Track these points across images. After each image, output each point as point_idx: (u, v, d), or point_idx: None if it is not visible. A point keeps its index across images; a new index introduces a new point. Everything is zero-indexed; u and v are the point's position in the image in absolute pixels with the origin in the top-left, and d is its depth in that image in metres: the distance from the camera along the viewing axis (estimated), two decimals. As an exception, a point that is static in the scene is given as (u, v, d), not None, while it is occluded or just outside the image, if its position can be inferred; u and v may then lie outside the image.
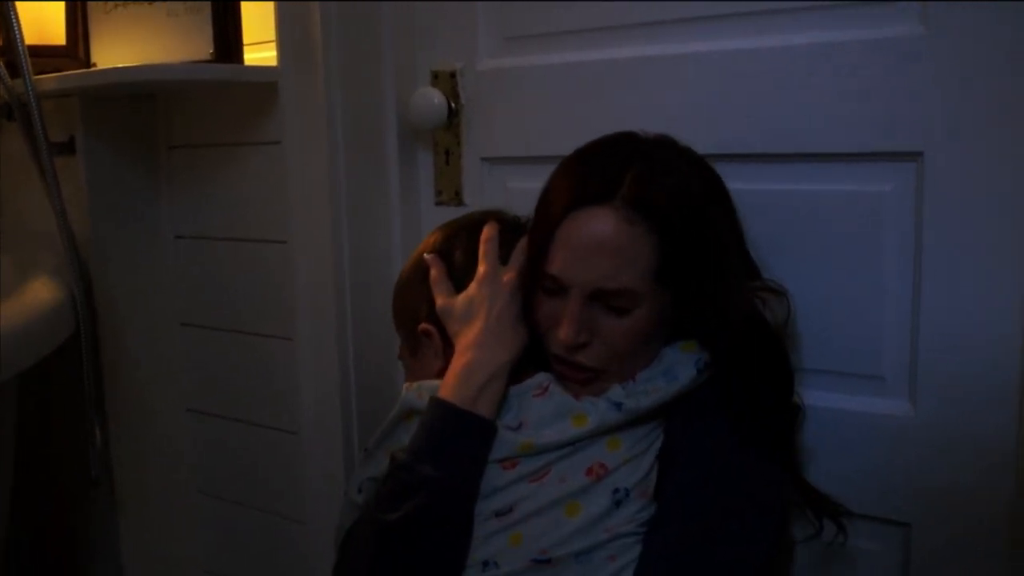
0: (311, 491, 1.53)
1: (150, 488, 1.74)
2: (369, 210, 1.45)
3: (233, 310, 1.66)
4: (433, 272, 1.13)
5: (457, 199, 1.42)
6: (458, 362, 1.05)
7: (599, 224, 0.98)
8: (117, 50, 1.62)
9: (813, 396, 1.11)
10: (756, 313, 1.04)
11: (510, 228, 1.14)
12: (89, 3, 1.64)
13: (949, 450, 1.06)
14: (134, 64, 1.56)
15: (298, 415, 1.54)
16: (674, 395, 1.02)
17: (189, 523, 1.79)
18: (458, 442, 1.02)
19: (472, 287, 1.09)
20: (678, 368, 1.03)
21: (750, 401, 1.01)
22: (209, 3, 1.48)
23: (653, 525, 0.99)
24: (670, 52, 1.20)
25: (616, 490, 0.99)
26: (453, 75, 1.39)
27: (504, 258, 1.11)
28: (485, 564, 0.99)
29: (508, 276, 1.08)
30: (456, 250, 1.14)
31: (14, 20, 1.52)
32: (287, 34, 1.42)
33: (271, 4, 1.43)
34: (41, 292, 1.56)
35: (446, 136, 1.41)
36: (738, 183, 1.08)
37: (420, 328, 1.13)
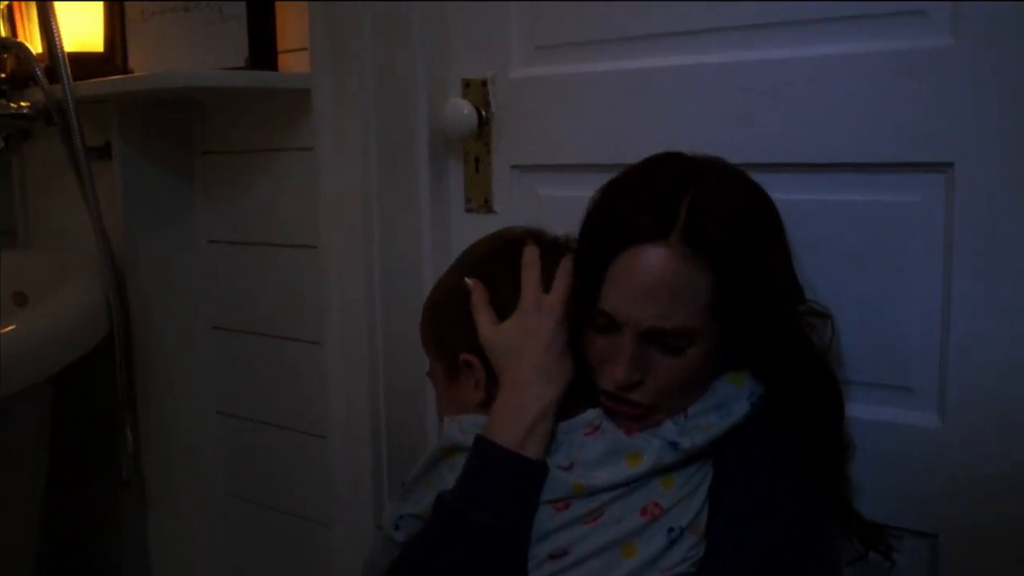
0: (338, 495, 1.54)
1: (180, 490, 1.76)
2: (399, 216, 1.45)
3: (264, 314, 1.68)
4: (475, 298, 1.06)
5: (487, 206, 1.43)
6: (505, 400, 1.01)
7: (656, 263, 0.93)
8: (154, 56, 1.65)
9: (842, 407, 1.11)
10: (806, 340, 1.01)
11: (550, 249, 1.07)
12: (127, 10, 1.67)
13: (977, 461, 1.05)
14: (170, 71, 1.59)
15: (327, 419, 1.54)
16: (727, 430, 0.99)
17: (217, 524, 1.81)
18: (508, 486, 0.98)
19: (516, 317, 1.04)
20: (732, 403, 1.00)
21: (804, 433, 0.99)
22: (244, 11, 1.50)
23: (703, 563, 0.97)
24: (701, 62, 1.20)
25: (671, 529, 0.97)
26: (484, 83, 1.40)
27: (546, 283, 1.04)
28: None
29: (554, 305, 1.03)
30: (497, 274, 1.07)
31: (54, 27, 1.55)
32: (321, 41, 1.43)
33: (305, 9, 1.45)
34: (76, 295, 1.59)
35: (476, 144, 1.42)
36: (769, 193, 1.08)
37: (462, 359, 1.07)
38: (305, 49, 1.47)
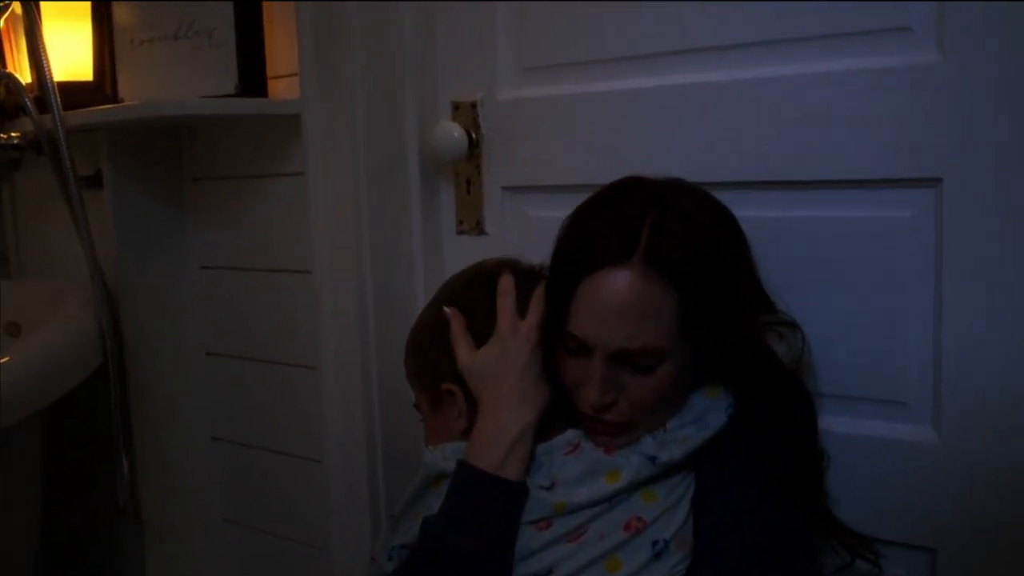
0: (335, 518, 1.54)
1: (176, 516, 1.76)
2: (391, 240, 1.46)
3: (258, 339, 1.67)
4: (454, 326, 1.09)
5: (478, 228, 1.44)
6: (484, 424, 1.03)
7: (620, 286, 0.95)
8: (143, 84, 1.65)
9: (836, 422, 1.11)
10: (771, 354, 1.04)
11: (525, 278, 1.09)
12: (116, 39, 1.67)
13: (974, 475, 1.06)
14: (160, 99, 1.59)
15: (322, 443, 1.54)
16: (704, 442, 1.01)
17: (215, 550, 1.80)
18: (489, 509, 0.99)
19: (492, 343, 1.06)
20: (709, 416, 1.02)
21: (772, 444, 1.01)
22: (234, 38, 1.50)
23: (687, 574, 0.98)
24: (689, 81, 1.20)
25: (655, 542, 0.98)
26: (474, 105, 1.40)
27: (521, 310, 1.07)
28: None
29: (529, 330, 1.05)
30: (475, 303, 1.10)
31: (43, 57, 1.55)
32: (310, 67, 1.44)
33: (294, 35, 1.45)
34: (69, 323, 1.59)
35: (467, 166, 1.43)
36: (758, 210, 1.09)
37: (444, 388, 1.09)
38: (295, 75, 1.47)
